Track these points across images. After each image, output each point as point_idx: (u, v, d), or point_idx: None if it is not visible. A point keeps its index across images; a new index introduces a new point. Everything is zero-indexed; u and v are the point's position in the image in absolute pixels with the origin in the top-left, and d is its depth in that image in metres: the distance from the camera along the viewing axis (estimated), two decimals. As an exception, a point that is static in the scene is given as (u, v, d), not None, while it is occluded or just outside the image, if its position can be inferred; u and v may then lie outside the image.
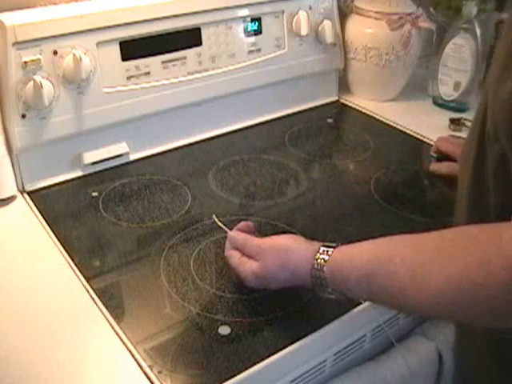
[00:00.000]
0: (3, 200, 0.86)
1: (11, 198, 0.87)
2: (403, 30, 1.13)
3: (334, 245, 0.60)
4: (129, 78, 0.93)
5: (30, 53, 0.83)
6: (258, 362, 0.60)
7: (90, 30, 0.87)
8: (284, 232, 0.81)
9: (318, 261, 0.59)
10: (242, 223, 0.73)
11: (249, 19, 1.04)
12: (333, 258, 0.59)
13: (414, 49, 1.17)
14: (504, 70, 0.52)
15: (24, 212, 0.85)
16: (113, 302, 0.68)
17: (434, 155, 0.97)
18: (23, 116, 0.84)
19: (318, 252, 0.60)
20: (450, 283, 0.47)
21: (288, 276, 0.63)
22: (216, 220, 0.78)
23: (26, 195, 0.88)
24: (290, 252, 0.64)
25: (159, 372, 0.59)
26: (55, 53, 0.85)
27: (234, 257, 0.69)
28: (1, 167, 0.84)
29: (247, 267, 0.66)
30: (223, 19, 1.01)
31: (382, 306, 0.60)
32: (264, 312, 0.67)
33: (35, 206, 0.85)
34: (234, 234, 0.71)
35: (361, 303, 0.68)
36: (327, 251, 0.59)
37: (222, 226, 0.76)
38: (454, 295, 0.47)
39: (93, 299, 0.68)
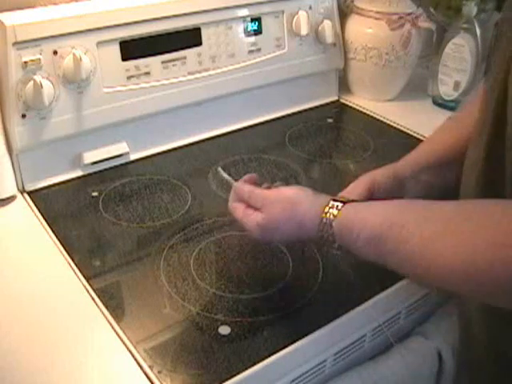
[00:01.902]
0: (3, 200, 0.86)
1: (11, 198, 0.87)
2: (403, 30, 1.13)
3: (344, 199, 0.59)
4: (129, 77, 0.93)
5: (30, 53, 0.83)
6: (258, 362, 0.60)
7: (90, 30, 0.87)
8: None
9: (327, 215, 0.58)
10: (248, 175, 0.72)
11: (249, 19, 1.04)
12: (343, 214, 0.57)
13: (414, 49, 1.17)
14: None
15: (24, 212, 0.85)
16: (113, 302, 0.68)
17: None
18: (23, 116, 0.84)
19: (328, 206, 0.59)
20: (462, 261, 0.46)
21: (294, 228, 0.62)
22: (221, 172, 0.77)
23: (26, 195, 0.88)
24: (297, 203, 0.62)
25: (159, 372, 0.59)
26: (55, 53, 0.85)
27: (238, 208, 0.67)
28: (1, 167, 0.84)
29: (252, 218, 0.64)
30: (223, 19, 1.01)
31: (390, 268, 0.59)
32: (264, 312, 0.67)
33: (35, 205, 0.85)
34: (239, 185, 0.69)
35: (361, 303, 0.68)
36: (337, 206, 0.58)
37: (228, 177, 0.75)
38: (464, 273, 0.46)
39: (93, 299, 0.68)
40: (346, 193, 0.70)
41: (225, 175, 0.76)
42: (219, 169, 0.78)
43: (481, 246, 0.46)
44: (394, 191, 0.71)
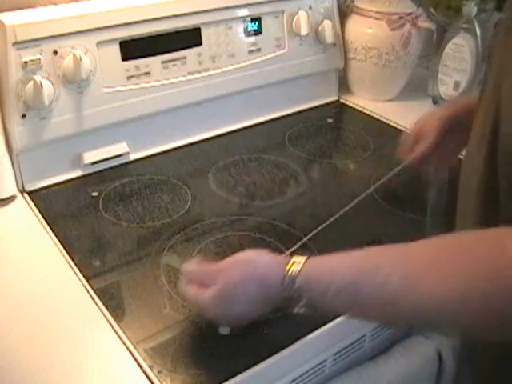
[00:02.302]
0: (3, 200, 0.86)
1: (11, 198, 0.87)
2: (403, 30, 1.13)
3: (304, 256, 0.56)
4: (129, 77, 0.93)
5: (30, 53, 0.83)
6: (258, 362, 0.60)
7: (90, 30, 0.87)
8: (284, 232, 0.81)
9: (290, 271, 0.54)
10: (195, 259, 0.65)
11: (249, 19, 1.04)
12: (307, 268, 0.54)
13: (414, 49, 1.17)
14: None
15: (24, 212, 0.85)
16: (113, 302, 0.68)
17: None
18: (23, 116, 0.84)
19: (289, 262, 0.55)
20: (455, 293, 0.45)
21: (255, 289, 0.56)
22: (166, 260, 0.71)
23: (26, 195, 0.88)
24: (255, 262, 0.58)
25: (159, 372, 0.59)
26: (55, 53, 0.85)
27: (189, 290, 0.61)
28: (1, 167, 0.84)
29: (206, 294, 0.58)
30: (223, 19, 1.01)
31: (363, 318, 0.57)
32: (264, 312, 0.67)
33: (35, 205, 0.85)
34: (186, 266, 0.63)
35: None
36: (298, 262, 0.55)
37: (174, 263, 0.69)
38: (460, 304, 0.46)
39: (93, 299, 0.68)
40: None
41: (170, 262, 0.70)
42: (165, 259, 0.72)
43: (471, 278, 0.45)
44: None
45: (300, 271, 0.54)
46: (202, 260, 0.64)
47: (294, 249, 0.73)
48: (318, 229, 0.74)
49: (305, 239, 0.75)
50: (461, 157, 0.97)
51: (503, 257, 0.44)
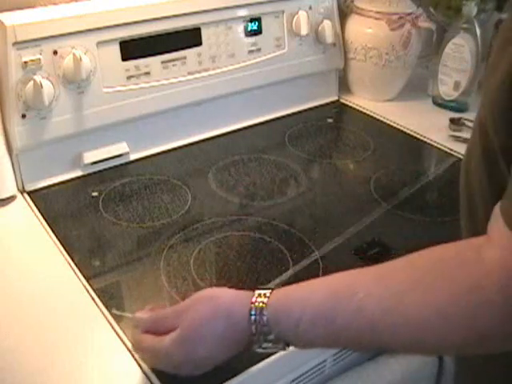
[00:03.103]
0: (3, 200, 0.86)
1: (11, 198, 0.87)
2: (403, 29, 1.13)
3: (269, 288, 0.53)
4: (129, 77, 0.93)
5: (30, 53, 0.83)
6: (258, 362, 0.60)
7: (90, 30, 0.87)
8: (284, 232, 0.81)
9: (256, 304, 0.51)
10: (146, 307, 0.60)
11: (249, 19, 1.04)
12: (273, 300, 0.51)
13: (414, 49, 1.17)
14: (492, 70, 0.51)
15: (24, 212, 0.85)
16: (113, 302, 0.68)
17: None
18: (23, 116, 0.84)
19: (254, 296, 0.52)
20: (436, 312, 0.44)
21: (222, 327, 0.52)
22: (114, 311, 0.65)
23: (26, 195, 0.88)
24: (219, 299, 0.54)
25: (159, 372, 0.59)
26: (55, 53, 0.85)
27: (145, 340, 0.56)
28: (1, 167, 0.84)
29: (165, 341, 0.53)
30: (223, 19, 1.01)
31: (342, 347, 0.55)
32: (264, 312, 0.67)
33: (35, 205, 0.85)
34: (138, 315, 0.59)
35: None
36: (264, 294, 0.52)
37: (123, 313, 0.64)
38: (442, 322, 0.44)
39: (93, 299, 0.68)
40: None
41: (118, 312, 0.64)
42: (114, 311, 0.65)
43: (453, 293, 0.44)
44: None
45: (267, 303, 0.51)
46: (154, 307, 0.60)
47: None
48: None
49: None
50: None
51: (484, 273, 0.43)
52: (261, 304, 0.51)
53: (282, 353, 0.61)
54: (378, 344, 0.49)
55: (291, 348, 0.62)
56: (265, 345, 0.52)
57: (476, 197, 0.59)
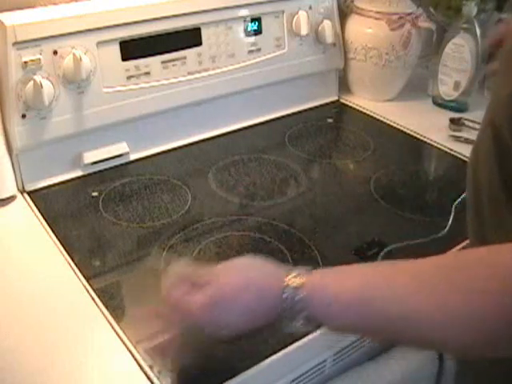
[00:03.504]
0: (3, 200, 0.86)
1: (11, 198, 0.87)
2: (403, 29, 1.13)
3: (307, 267, 0.53)
4: (129, 77, 0.93)
5: (30, 53, 0.83)
6: (258, 362, 0.60)
7: (90, 30, 0.87)
8: (284, 232, 0.81)
9: (291, 282, 0.51)
10: (183, 261, 0.61)
11: (249, 19, 1.04)
12: (310, 280, 0.51)
13: (414, 49, 1.17)
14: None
15: (24, 212, 0.85)
16: (113, 301, 0.68)
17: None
18: (23, 116, 0.84)
19: (289, 274, 0.52)
20: (455, 312, 0.45)
21: (253, 298, 0.52)
22: (154, 258, 0.66)
23: (26, 195, 0.88)
24: (255, 269, 0.54)
25: (159, 372, 0.59)
26: (55, 53, 0.85)
27: (175, 292, 0.55)
28: (1, 167, 0.84)
29: (195, 299, 0.52)
30: (223, 19, 1.01)
31: (366, 335, 0.55)
32: (264, 312, 0.67)
33: (35, 205, 0.85)
34: (175, 266, 0.58)
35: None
36: (299, 273, 0.52)
37: (160, 263, 0.64)
38: (453, 324, 0.45)
39: (93, 299, 0.68)
40: None
41: (158, 262, 0.65)
42: (153, 257, 0.66)
43: (478, 300, 0.44)
44: None
45: (304, 284, 0.51)
46: (190, 262, 0.59)
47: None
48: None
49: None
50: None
51: (493, 272, 0.44)
52: (295, 282, 0.51)
53: (281, 352, 0.62)
54: (405, 336, 0.49)
55: (292, 347, 0.62)
56: (294, 323, 0.51)
57: (483, 193, 0.59)
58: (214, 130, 1.07)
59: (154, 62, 0.95)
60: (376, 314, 0.48)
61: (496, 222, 0.57)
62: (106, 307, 0.67)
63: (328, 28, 1.12)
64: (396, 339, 0.57)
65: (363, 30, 1.17)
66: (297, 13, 1.08)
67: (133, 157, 0.98)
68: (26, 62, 0.82)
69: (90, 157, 0.93)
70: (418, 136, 1.08)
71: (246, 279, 0.53)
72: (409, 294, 0.47)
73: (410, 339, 0.50)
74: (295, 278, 0.51)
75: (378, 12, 1.15)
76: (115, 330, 0.64)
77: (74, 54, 0.84)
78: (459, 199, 0.83)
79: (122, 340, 0.63)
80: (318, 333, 0.64)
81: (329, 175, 1.00)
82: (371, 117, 1.17)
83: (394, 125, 1.13)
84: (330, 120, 1.16)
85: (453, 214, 0.83)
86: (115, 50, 0.91)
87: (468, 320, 0.45)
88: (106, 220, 0.83)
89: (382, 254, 0.76)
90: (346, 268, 0.52)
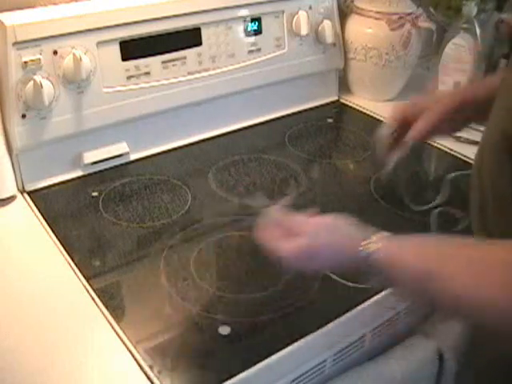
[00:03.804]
0: (3, 200, 0.86)
1: (11, 198, 0.87)
2: (403, 29, 1.13)
3: (385, 233, 0.58)
4: (129, 77, 0.93)
5: (30, 53, 0.83)
6: (258, 362, 0.60)
7: (90, 30, 0.87)
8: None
9: (369, 245, 0.56)
10: (277, 206, 0.67)
11: (249, 19, 1.04)
12: (386, 247, 0.56)
13: (414, 49, 1.17)
14: None
15: (24, 212, 0.85)
16: (113, 301, 0.68)
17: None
18: (23, 116, 0.84)
19: (374, 235, 0.57)
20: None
21: (338, 252, 0.59)
22: (259, 198, 0.72)
23: (26, 195, 0.88)
24: (342, 228, 0.60)
25: (159, 372, 0.59)
26: (55, 53, 0.85)
27: (274, 232, 0.62)
28: (1, 167, 0.84)
29: (290, 243, 0.60)
30: (223, 19, 1.01)
31: (433, 307, 0.60)
32: (264, 312, 0.67)
33: (35, 205, 0.85)
34: (276, 209, 0.65)
35: (361, 303, 0.68)
36: (379, 238, 0.57)
37: (265, 203, 0.69)
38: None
39: (93, 299, 0.68)
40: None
41: (264, 202, 0.71)
42: (259, 197, 0.73)
43: None
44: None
45: (384, 246, 0.56)
46: (285, 208, 0.66)
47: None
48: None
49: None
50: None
51: None
52: (371, 248, 0.56)
53: (281, 352, 0.62)
54: (467, 315, 0.53)
55: (292, 347, 0.62)
56: (370, 281, 0.58)
57: (487, 192, 0.60)
58: (214, 130, 1.07)
59: (153, 62, 0.95)
60: (437, 292, 0.52)
61: (500, 219, 0.59)
62: (106, 307, 0.67)
63: (328, 28, 1.12)
64: (457, 315, 0.60)
65: (363, 30, 1.17)
66: (297, 13, 1.08)
67: (133, 157, 0.98)
68: (26, 62, 0.82)
69: (90, 157, 0.93)
70: (418, 136, 1.08)
71: (334, 235, 0.60)
72: (469, 276, 0.50)
73: (469, 319, 0.54)
74: (372, 243, 0.56)
75: (378, 12, 1.15)
76: (115, 330, 0.64)
77: (74, 54, 0.84)
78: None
79: (122, 340, 0.63)
80: (318, 333, 0.64)
81: (329, 175, 1.00)
82: (371, 117, 1.17)
83: (394, 125, 1.13)
84: (330, 120, 1.16)
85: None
86: (115, 50, 0.91)
87: None
88: (106, 220, 0.83)
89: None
90: (419, 239, 0.56)
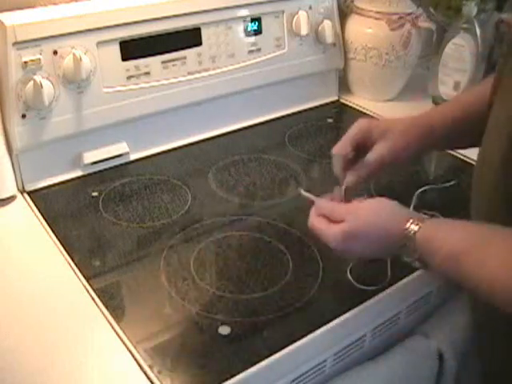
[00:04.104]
0: (3, 200, 0.86)
1: (11, 198, 0.87)
2: (403, 30, 1.13)
3: (426, 216, 0.61)
4: (129, 77, 0.93)
5: (30, 53, 0.83)
6: (258, 362, 0.60)
7: (90, 30, 0.87)
8: (284, 232, 0.81)
9: (410, 228, 0.59)
10: (329, 195, 0.72)
11: (249, 19, 1.04)
12: (425, 228, 0.59)
13: (414, 49, 1.17)
14: None
15: (24, 212, 0.85)
16: (113, 301, 0.68)
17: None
18: (23, 116, 0.84)
19: (412, 218, 0.60)
20: None
21: (380, 234, 0.62)
22: (303, 192, 0.73)
23: (26, 195, 0.88)
24: (382, 211, 0.63)
25: (159, 372, 0.59)
26: (55, 53, 0.85)
27: (320, 221, 0.66)
28: (1, 167, 0.84)
29: (335, 228, 0.64)
30: (223, 19, 1.01)
31: (465, 288, 0.60)
32: (264, 312, 0.67)
33: (35, 205, 0.85)
34: (321, 201, 0.69)
35: (361, 303, 0.68)
36: (422, 219, 0.60)
37: (309, 195, 0.72)
38: None
39: (93, 299, 0.68)
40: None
41: (306, 194, 0.73)
42: (301, 190, 0.74)
43: None
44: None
45: (420, 228, 0.59)
46: (334, 198, 0.71)
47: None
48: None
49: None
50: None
51: None
52: (412, 230, 0.59)
53: (281, 352, 0.62)
54: (495, 299, 0.54)
55: (292, 347, 0.62)
56: (410, 259, 0.61)
57: (487, 196, 0.60)
58: (214, 130, 1.07)
59: (153, 62, 0.95)
60: (466, 272, 0.54)
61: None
62: (106, 307, 0.67)
63: (328, 28, 1.12)
64: (487, 300, 0.60)
65: (363, 30, 1.17)
66: (297, 13, 1.08)
67: (133, 157, 0.98)
68: (26, 62, 0.82)
69: (90, 157, 0.93)
70: (418, 136, 1.08)
71: (375, 218, 0.63)
72: (499, 263, 0.52)
73: (501, 302, 0.55)
74: (413, 224, 0.59)
75: (378, 12, 1.15)
76: (115, 330, 0.64)
77: (74, 54, 0.84)
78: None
79: (122, 340, 0.63)
80: (318, 333, 0.64)
81: (329, 175, 0.99)
82: (371, 117, 1.17)
83: (394, 125, 1.13)
84: (330, 120, 1.16)
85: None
86: (115, 50, 0.91)
87: None
88: (106, 220, 0.83)
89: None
90: (455, 224, 0.59)
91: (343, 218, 0.64)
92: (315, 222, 0.67)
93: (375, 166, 0.73)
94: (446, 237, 0.57)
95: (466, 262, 0.54)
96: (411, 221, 0.60)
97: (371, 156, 0.72)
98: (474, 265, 0.54)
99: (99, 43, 0.88)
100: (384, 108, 1.19)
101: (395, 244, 0.60)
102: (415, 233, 0.59)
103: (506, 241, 0.53)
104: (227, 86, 1.04)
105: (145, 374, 0.59)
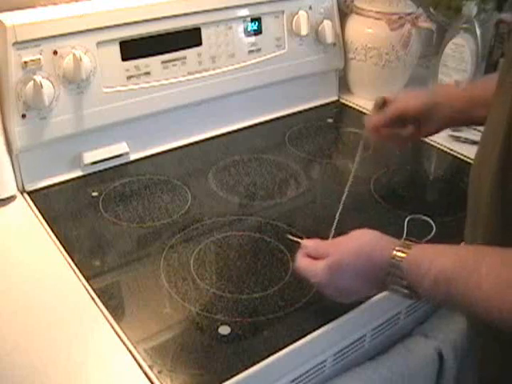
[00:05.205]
0: (3, 200, 0.86)
1: (11, 198, 0.87)
2: (403, 29, 1.13)
3: (412, 241, 0.60)
4: (129, 77, 0.93)
5: (30, 53, 0.83)
6: (258, 362, 0.60)
7: (90, 30, 0.87)
8: (284, 232, 0.81)
9: (396, 254, 0.58)
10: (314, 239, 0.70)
11: (249, 19, 1.04)
12: (412, 253, 0.57)
13: (414, 49, 1.17)
14: None
15: (24, 212, 0.85)
16: (113, 301, 0.68)
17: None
18: (23, 116, 0.84)
19: (397, 245, 0.59)
20: None
21: (365, 263, 0.60)
22: (290, 237, 0.76)
23: (26, 195, 0.88)
24: (365, 241, 0.62)
25: (159, 372, 0.59)
26: (55, 53, 0.85)
27: (304, 260, 0.65)
28: (1, 167, 0.84)
29: (320, 263, 0.62)
30: (223, 19, 1.01)
31: (459, 311, 0.60)
32: (264, 312, 0.67)
33: (35, 205, 0.85)
34: (305, 241, 0.68)
35: (361, 303, 0.68)
36: (407, 245, 0.58)
37: (296, 239, 0.73)
38: None
39: (93, 299, 0.68)
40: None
41: (293, 238, 0.75)
42: (288, 235, 0.77)
43: None
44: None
45: (406, 254, 0.57)
46: (320, 238, 0.68)
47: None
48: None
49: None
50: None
51: None
52: (399, 256, 0.57)
53: (281, 352, 0.62)
54: (492, 318, 0.52)
55: (292, 347, 0.62)
56: (397, 288, 0.58)
57: (485, 196, 0.59)
58: (214, 130, 1.07)
59: (153, 62, 0.95)
60: (458, 294, 0.52)
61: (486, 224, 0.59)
62: (106, 307, 0.67)
63: (328, 28, 1.12)
64: (483, 319, 0.59)
65: (363, 30, 1.17)
66: (297, 13, 1.09)
67: (133, 157, 0.98)
68: (26, 62, 0.82)
69: (90, 157, 0.93)
70: (418, 136, 1.08)
71: (357, 248, 0.62)
72: (494, 283, 0.50)
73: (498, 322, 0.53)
74: (399, 251, 0.58)
75: (378, 12, 1.15)
76: (115, 330, 0.64)
77: (74, 54, 0.84)
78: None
79: (122, 340, 0.63)
80: (318, 333, 0.64)
81: (329, 175, 1.00)
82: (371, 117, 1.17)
83: (394, 125, 1.13)
84: (329, 120, 1.16)
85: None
86: (115, 50, 0.91)
87: None
88: (106, 220, 0.83)
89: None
90: (442, 247, 0.57)
91: (328, 253, 0.63)
92: (301, 262, 0.65)
93: (400, 107, 0.78)
94: (434, 260, 0.55)
95: (457, 284, 0.52)
96: (397, 248, 0.58)
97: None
98: (465, 287, 0.52)
99: (99, 43, 0.88)
100: (384, 108, 1.19)
101: (381, 272, 0.58)
102: (402, 259, 0.57)
103: (495, 260, 0.52)
104: (227, 86, 1.04)
105: (145, 374, 0.59)
